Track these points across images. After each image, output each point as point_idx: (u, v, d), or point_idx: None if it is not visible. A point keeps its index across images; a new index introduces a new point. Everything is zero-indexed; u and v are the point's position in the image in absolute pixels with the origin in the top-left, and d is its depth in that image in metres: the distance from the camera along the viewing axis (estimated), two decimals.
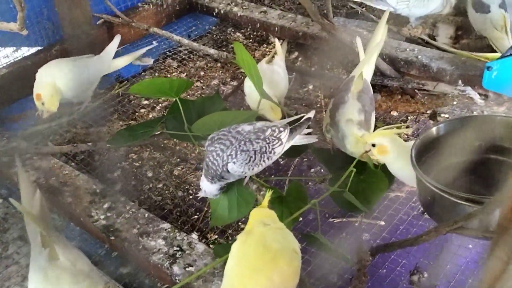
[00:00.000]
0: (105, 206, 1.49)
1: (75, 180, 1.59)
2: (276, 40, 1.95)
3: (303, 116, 1.45)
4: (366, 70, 1.64)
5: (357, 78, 1.58)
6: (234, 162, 1.29)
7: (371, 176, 1.42)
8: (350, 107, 1.52)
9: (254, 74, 1.51)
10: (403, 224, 1.51)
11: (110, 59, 1.97)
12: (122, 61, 2.02)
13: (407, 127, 1.78)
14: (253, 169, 1.33)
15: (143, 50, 2.08)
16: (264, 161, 1.34)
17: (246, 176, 1.40)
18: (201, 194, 1.39)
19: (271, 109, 1.63)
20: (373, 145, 1.38)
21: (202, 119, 1.51)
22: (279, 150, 1.37)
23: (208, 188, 1.36)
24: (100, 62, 1.93)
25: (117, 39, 2.00)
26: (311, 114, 1.46)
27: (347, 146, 1.49)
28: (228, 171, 1.30)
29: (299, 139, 1.46)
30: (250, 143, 1.31)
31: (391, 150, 1.36)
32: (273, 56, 1.88)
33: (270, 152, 1.34)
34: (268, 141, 1.34)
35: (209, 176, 1.32)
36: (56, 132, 1.91)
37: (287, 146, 1.41)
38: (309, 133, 1.50)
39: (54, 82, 1.78)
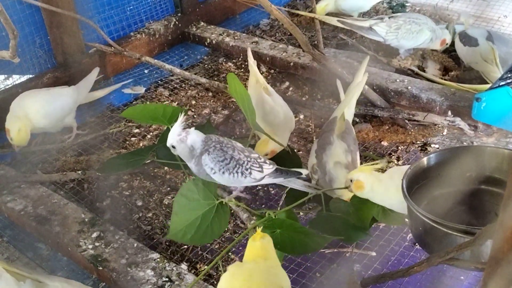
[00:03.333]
0: (94, 235, 1.47)
1: (64, 209, 1.57)
2: (251, 59, 1.78)
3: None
4: (347, 111, 1.65)
5: (339, 120, 1.60)
6: (208, 153, 1.33)
7: (359, 198, 1.41)
8: (336, 148, 1.52)
9: (247, 105, 1.51)
10: (394, 255, 1.50)
11: (87, 91, 1.99)
12: (98, 94, 2.06)
13: (389, 162, 1.78)
14: (223, 173, 1.34)
15: (119, 85, 2.15)
16: (237, 172, 1.35)
17: (216, 181, 1.40)
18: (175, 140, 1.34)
19: (261, 142, 1.60)
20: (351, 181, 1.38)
21: None
22: (256, 176, 1.38)
23: (194, 136, 1.33)
24: (75, 93, 1.93)
25: (95, 72, 2.02)
26: (304, 171, 1.47)
27: (335, 191, 1.47)
28: (201, 158, 1.34)
29: (298, 185, 1.49)
30: (232, 149, 1.36)
31: (366, 186, 1.36)
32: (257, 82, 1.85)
33: (247, 170, 1.36)
34: (249, 160, 1.37)
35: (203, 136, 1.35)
36: (46, 160, 1.90)
37: (266, 180, 1.42)
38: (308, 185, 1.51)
39: (24, 114, 1.78)
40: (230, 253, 1.53)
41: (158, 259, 1.39)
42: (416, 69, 2.24)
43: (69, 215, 1.54)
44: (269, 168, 1.40)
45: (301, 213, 1.64)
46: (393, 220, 1.46)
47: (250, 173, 1.37)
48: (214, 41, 2.48)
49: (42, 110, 1.82)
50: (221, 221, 1.39)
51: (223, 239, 1.59)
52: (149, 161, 1.67)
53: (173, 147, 1.34)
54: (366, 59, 1.82)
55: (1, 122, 1.90)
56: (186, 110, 1.64)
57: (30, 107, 1.80)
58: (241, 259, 1.51)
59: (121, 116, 1.79)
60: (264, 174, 1.39)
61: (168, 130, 1.58)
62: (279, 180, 1.45)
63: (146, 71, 2.39)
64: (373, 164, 1.40)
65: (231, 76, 1.51)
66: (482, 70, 2.11)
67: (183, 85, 2.30)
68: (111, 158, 1.73)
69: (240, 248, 1.53)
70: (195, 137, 1.34)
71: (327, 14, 2.48)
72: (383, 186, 1.35)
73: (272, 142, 1.57)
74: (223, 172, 1.34)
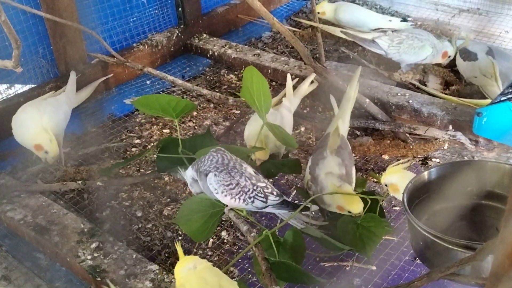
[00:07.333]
0: (93, 246, 1.46)
1: (63, 219, 1.57)
2: (288, 76, 1.85)
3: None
4: (341, 125, 1.64)
5: (332, 134, 1.59)
6: (215, 175, 1.34)
7: (369, 220, 1.39)
8: (330, 162, 1.51)
9: (263, 99, 1.50)
10: (394, 269, 1.49)
11: (74, 95, 1.98)
12: (85, 94, 2.06)
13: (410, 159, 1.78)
14: (225, 196, 1.35)
15: (99, 80, 2.15)
16: (239, 198, 1.35)
17: (225, 206, 1.41)
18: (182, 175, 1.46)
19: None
20: (386, 185, 1.39)
21: (205, 149, 1.50)
22: (259, 205, 1.37)
23: (188, 170, 1.42)
24: (68, 98, 1.92)
25: (72, 75, 2.01)
26: (314, 208, 1.45)
27: (324, 198, 1.44)
28: (206, 177, 1.35)
29: (296, 222, 1.47)
30: (240, 176, 1.35)
31: (401, 187, 1.36)
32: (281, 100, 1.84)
33: (250, 198, 1.35)
34: (255, 188, 1.35)
35: (194, 163, 1.40)
36: (46, 169, 1.90)
37: (269, 210, 1.41)
38: (314, 225, 1.49)
39: (43, 126, 1.74)
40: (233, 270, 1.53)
41: (157, 271, 1.38)
42: (417, 83, 2.24)
43: (68, 225, 1.54)
44: (274, 199, 1.37)
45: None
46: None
47: (253, 201, 1.36)
48: (216, 53, 2.49)
49: (54, 121, 1.79)
50: (213, 227, 1.40)
51: (222, 251, 1.58)
52: (149, 171, 1.67)
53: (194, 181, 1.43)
54: (358, 70, 1.82)
55: (3, 131, 1.90)
56: (196, 106, 1.62)
57: (45, 121, 1.76)
58: (241, 272, 1.50)
59: (121, 127, 1.79)
60: (267, 205, 1.38)
61: (169, 137, 1.57)
62: (282, 212, 1.44)
63: (148, 82, 2.39)
64: (400, 164, 1.41)
65: (251, 68, 1.51)
66: (481, 85, 2.11)
67: (185, 96, 2.31)
68: (112, 165, 1.73)
69: (240, 260, 1.52)
70: (189, 169, 1.41)
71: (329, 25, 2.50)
72: None
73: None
74: (225, 195, 1.35)
